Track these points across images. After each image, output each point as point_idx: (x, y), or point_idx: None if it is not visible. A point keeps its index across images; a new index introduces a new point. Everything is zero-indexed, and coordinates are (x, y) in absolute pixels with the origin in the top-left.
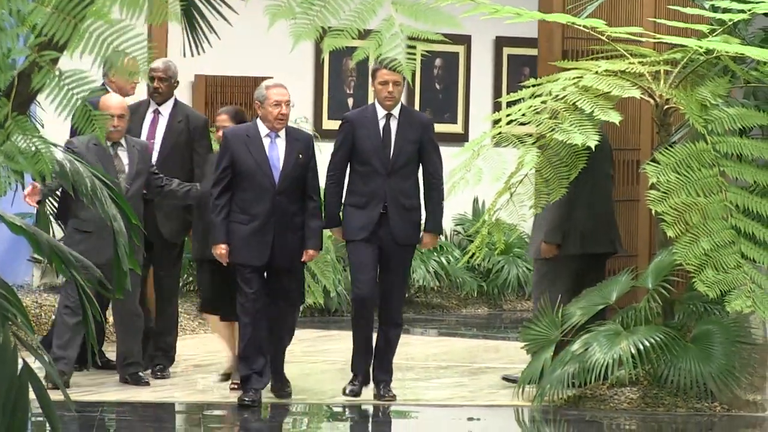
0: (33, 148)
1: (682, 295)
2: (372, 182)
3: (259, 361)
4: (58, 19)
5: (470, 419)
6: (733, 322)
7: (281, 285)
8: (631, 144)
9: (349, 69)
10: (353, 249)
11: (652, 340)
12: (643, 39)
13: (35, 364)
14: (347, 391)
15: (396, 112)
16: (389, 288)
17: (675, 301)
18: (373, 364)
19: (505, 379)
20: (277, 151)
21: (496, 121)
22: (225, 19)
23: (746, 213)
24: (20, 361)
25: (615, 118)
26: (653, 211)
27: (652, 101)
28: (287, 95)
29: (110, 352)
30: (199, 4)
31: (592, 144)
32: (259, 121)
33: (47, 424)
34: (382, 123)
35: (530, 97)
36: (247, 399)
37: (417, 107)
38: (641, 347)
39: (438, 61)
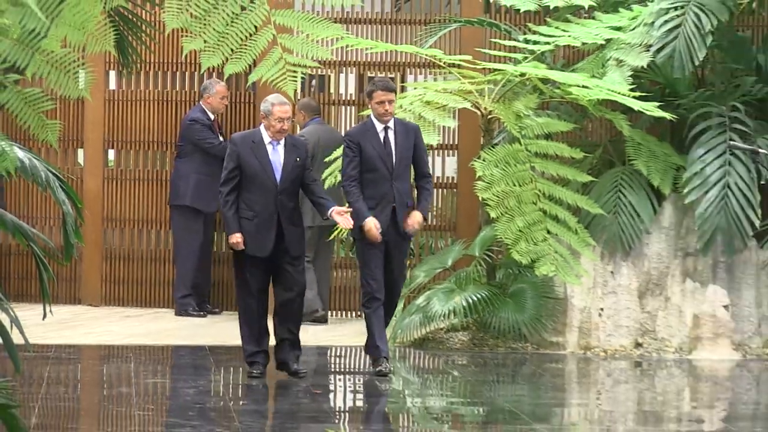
0: (0, 150)
1: (501, 261)
2: (381, 186)
3: (265, 341)
4: (18, 49)
5: (338, 356)
6: (541, 282)
7: (286, 274)
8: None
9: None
10: (366, 249)
11: (479, 296)
12: (472, 65)
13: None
14: (385, 370)
15: (391, 123)
16: (396, 275)
17: (496, 265)
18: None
19: None
20: (278, 155)
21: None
22: (147, 47)
23: (551, 199)
24: None
25: (450, 123)
26: (480, 197)
27: (478, 112)
28: (289, 113)
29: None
30: (127, 35)
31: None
32: (262, 129)
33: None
34: (382, 135)
35: None
36: (255, 372)
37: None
38: (470, 301)
39: (313, 82)
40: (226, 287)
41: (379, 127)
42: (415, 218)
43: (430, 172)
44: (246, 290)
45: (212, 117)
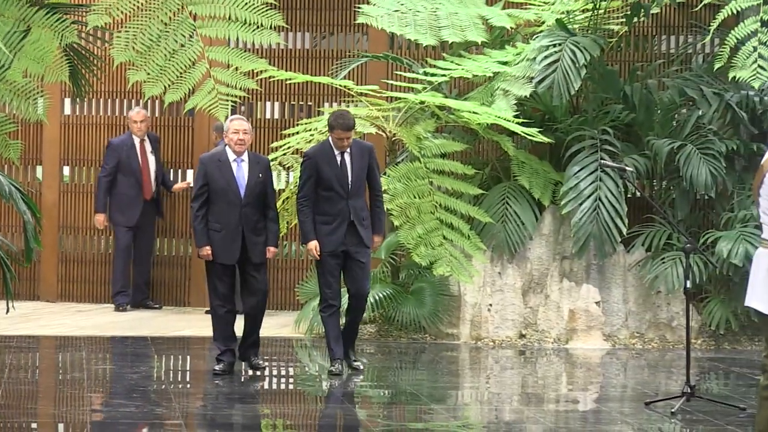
0: None
1: (404, 263)
2: (337, 204)
3: (232, 340)
4: None
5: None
6: (438, 281)
7: (252, 277)
8: None
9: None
10: (322, 260)
11: (384, 293)
12: (378, 94)
13: None
14: (335, 371)
15: None
16: (360, 282)
17: (400, 267)
18: (344, 343)
19: None
20: (242, 171)
21: (282, 145)
22: (96, 77)
23: (447, 209)
24: None
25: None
26: (386, 207)
27: (384, 135)
28: (244, 125)
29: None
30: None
31: None
32: (227, 148)
33: None
34: (339, 158)
35: (304, 131)
36: (218, 369)
37: None
38: (377, 298)
39: (243, 108)
40: (166, 285)
41: (336, 150)
42: (376, 243)
43: (382, 189)
44: (216, 295)
45: (135, 140)
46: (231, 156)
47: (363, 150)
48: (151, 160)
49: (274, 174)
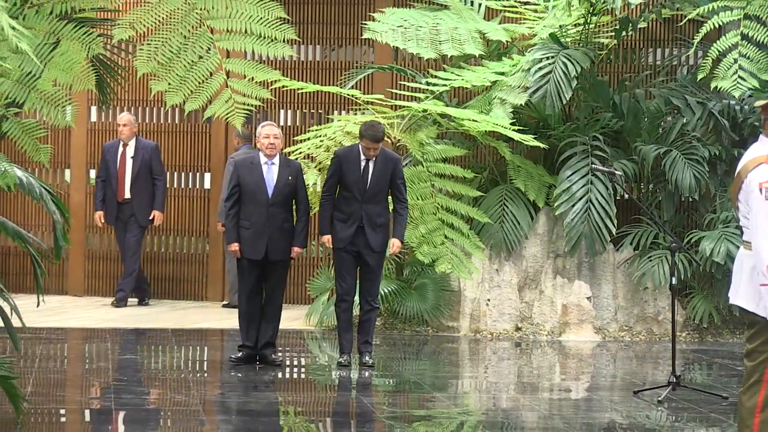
0: (2, 169)
1: (408, 261)
2: (352, 206)
3: (252, 332)
4: (18, 88)
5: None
6: (440, 277)
7: (274, 273)
8: None
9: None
10: (338, 257)
11: (390, 288)
12: (383, 102)
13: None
14: (344, 362)
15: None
16: (369, 282)
17: (404, 264)
18: (357, 338)
19: None
20: (271, 174)
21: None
22: (121, 86)
23: (448, 210)
24: None
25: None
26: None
27: (389, 141)
28: (275, 131)
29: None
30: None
31: None
32: (260, 152)
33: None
34: (363, 163)
35: (315, 137)
36: (233, 358)
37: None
38: (383, 292)
39: (258, 116)
40: (186, 281)
41: (363, 156)
42: (393, 247)
43: (407, 198)
44: (243, 290)
45: (120, 144)
46: (263, 159)
47: (388, 160)
48: (129, 164)
49: (315, 173)
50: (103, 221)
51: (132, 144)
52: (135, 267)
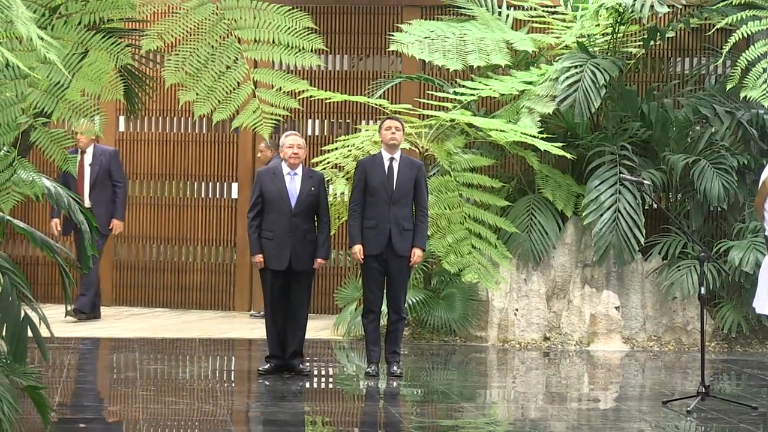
0: (30, 179)
1: (435, 270)
2: (380, 209)
3: (279, 342)
4: (46, 98)
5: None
6: (467, 287)
7: (299, 283)
8: None
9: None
10: (365, 267)
11: (417, 298)
12: (411, 112)
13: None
14: (372, 372)
15: (397, 156)
16: (396, 289)
17: (431, 274)
18: (385, 348)
19: None
20: (294, 184)
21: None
22: (149, 96)
23: (475, 220)
24: (22, 312)
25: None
26: None
27: (417, 150)
28: (298, 141)
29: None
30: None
31: None
32: (283, 162)
33: (38, 350)
34: (387, 165)
35: (342, 147)
36: (262, 369)
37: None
38: (411, 302)
39: (286, 126)
40: (213, 291)
41: (386, 157)
42: (415, 256)
43: (427, 205)
44: (268, 301)
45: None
46: (285, 169)
47: (413, 164)
48: (88, 171)
49: (344, 183)
50: (58, 229)
51: (90, 151)
52: (95, 278)
